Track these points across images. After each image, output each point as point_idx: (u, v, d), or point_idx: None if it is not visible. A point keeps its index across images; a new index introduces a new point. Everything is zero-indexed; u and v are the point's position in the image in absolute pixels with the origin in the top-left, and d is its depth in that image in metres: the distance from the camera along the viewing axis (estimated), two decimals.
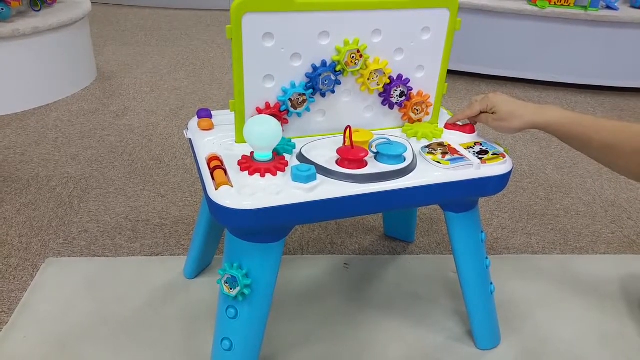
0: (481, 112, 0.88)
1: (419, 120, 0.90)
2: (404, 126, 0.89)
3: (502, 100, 0.85)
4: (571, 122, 0.81)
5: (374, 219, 1.32)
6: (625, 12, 2.19)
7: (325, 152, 0.78)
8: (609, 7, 2.22)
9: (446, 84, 0.89)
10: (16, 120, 1.80)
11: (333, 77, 0.80)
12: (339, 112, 0.84)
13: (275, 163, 0.73)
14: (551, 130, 0.83)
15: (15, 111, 1.86)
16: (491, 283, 0.93)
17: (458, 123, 0.90)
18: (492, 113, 0.86)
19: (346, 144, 0.77)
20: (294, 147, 0.79)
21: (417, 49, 0.83)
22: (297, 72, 0.78)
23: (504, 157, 0.81)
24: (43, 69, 1.92)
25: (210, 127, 0.84)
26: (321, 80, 0.79)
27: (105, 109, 1.93)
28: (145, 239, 1.21)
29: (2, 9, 1.77)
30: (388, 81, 0.84)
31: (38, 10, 1.96)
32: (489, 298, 0.93)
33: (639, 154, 0.78)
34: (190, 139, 0.85)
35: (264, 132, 0.70)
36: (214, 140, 0.82)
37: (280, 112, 0.79)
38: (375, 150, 0.77)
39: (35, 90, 1.93)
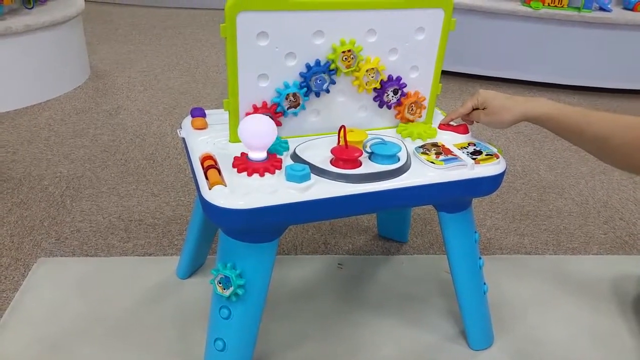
0: (473, 109, 0.88)
1: (413, 121, 0.91)
2: (398, 126, 0.89)
3: (492, 95, 0.85)
4: (562, 114, 0.81)
5: (367, 219, 1.32)
6: (618, 14, 2.20)
7: (319, 151, 0.78)
8: (602, 9, 2.24)
9: (440, 85, 0.89)
10: (8, 118, 1.79)
11: (327, 78, 0.79)
12: (334, 112, 0.84)
13: (270, 163, 0.72)
14: (542, 121, 0.82)
15: (7, 109, 1.84)
16: (484, 283, 0.93)
17: (452, 123, 0.91)
18: (483, 109, 0.86)
19: (340, 144, 0.77)
20: (287, 146, 0.79)
21: (412, 49, 0.83)
22: (291, 71, 0.78)
23: (497, 157, 0.81)
24: (35, 68, 1.91)
25: (204, 127, 0.84)
26: (314, 81, 0.79)
27: (98, 108, 1.92)
28: (138, 239, 1.21)
29: None
30: (380, 84, 0.84)
31: (30, 8, 1.94)
32: (482, 298, 0.93)
33: (629, 146, 0.77)
34: (183, 138, 0.85)
35: (258, 132, 0.70)
36: (207, 139, 0.81)
37: (275, 113, 0.79)
38: (369, 150, 0.77)
39: (28, 89, 1.91)
